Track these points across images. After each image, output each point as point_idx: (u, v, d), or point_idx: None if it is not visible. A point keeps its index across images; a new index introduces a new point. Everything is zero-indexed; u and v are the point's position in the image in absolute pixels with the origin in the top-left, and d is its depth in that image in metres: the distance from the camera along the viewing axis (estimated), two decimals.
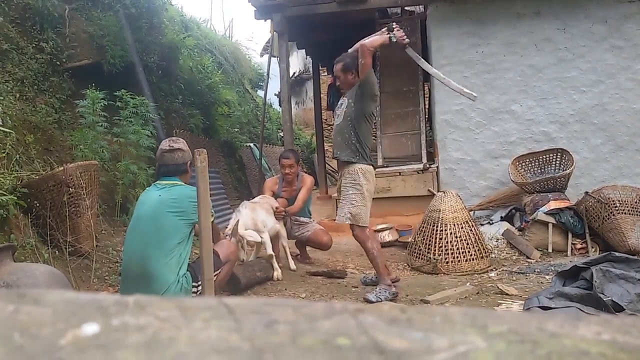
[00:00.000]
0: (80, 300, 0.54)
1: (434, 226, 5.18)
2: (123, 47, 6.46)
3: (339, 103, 4.48)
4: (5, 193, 3.75)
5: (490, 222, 6.23)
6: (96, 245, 4.58)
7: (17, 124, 4.73)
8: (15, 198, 3.92)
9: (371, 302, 4.02)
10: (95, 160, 4.88)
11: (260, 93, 13.66)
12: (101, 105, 5.43)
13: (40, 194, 4.26)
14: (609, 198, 5.43)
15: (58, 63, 6.09)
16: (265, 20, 7.93)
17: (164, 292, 3.19)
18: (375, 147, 7.65)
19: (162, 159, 3.50)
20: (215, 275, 3.52)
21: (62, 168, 4.36)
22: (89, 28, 6.51)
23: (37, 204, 4.21)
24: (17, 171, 4.35)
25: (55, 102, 5.79)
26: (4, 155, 4.13)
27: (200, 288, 3.29)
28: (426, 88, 8.85)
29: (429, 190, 6.91)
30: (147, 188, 3.72)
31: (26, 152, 4.77)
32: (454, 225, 5.14)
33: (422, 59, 4.79)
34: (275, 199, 5.23)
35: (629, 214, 5.35)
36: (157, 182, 3.52)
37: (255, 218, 4.54)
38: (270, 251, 4.57)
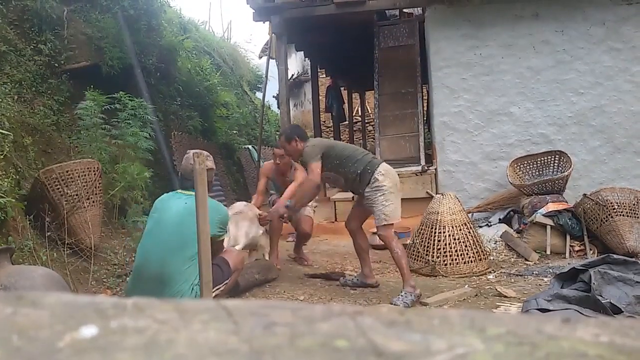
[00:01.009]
0: (78, 303, 0.54)
1: (432, 228, 5.18)
2: (121, 49, 6.46)
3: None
4: (3, 195, 3.75)
5: (489, 224, 6.23)
6: (94, 248, 4.58)
7: (15, 126, 4.73)
8: (14, 200, 3.91)
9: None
10: (96, 160, 4.91)
11: (259, 95, 13.66)
12: (101, 107, 5.44)
13: (41, 193, 4.34)
14: (607, 200, 5.44)
15: (56, 65, 6.08)
16: (263, 22, 7.95)
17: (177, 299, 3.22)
18: (373, 149, 7.66)
19: (188, 173, 3.54)
20: (224, 284, 3.55)
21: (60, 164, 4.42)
22: (88, 30, 6.51)
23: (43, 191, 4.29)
24: (16, 173, 4.35)
25: (54, 104, 5.79)
26: (1, 157, 4.13)
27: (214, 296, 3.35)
28: (425, 90, 8.86)
29: (427, 192, 6.92)
30: (165, 194, 3.75)
31: (24, 155, 4.77)
32: (452, 227, 5.14)
33: None
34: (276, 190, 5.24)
35: (627, 216, 5.35)
36: (180, 190, 3.56)
37: (237, 234, 4.49)
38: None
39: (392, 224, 4.31)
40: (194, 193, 3.41)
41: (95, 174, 4.64)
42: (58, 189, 4.43)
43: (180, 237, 3.34)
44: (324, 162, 4.34)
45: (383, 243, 4.39)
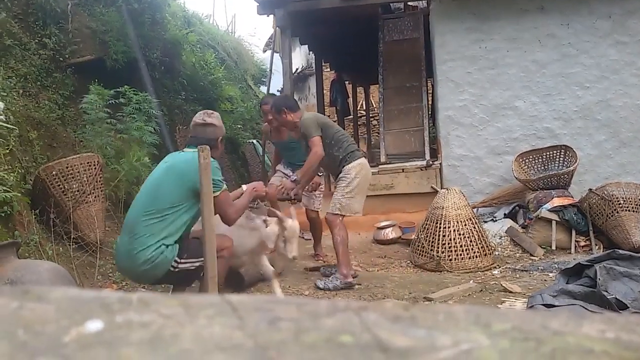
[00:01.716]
0: (84, 297, 0.54)
1: (437, 223, 5.18)
2: (126, 43, 6.46)
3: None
4: (9, 189, 3.76)
5: (494, 219, 6.22)
6: (100, 241, 4.60)
7: (20, 120, 4.74)
8: (20, 194, 3.93)
9: (319, 288, 4.35)
10: (98, 155, 4.91)
11: (263, 89, 13.63)
12: (105, 102, 5.44)
13: (57, 180, 4.37)
14: (612, 195, 5.42)
15: (61, 59, 6.09)
16: (267, 16, 7.93)
17: (139, 251, 3.18)
18: (378, 144, 7.64)
19: (194, 131, 3.52)
20: (200, 260, 3.26)
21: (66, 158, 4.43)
22: (92, 24, 6.51)
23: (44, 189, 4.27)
24: (21, 167, 4.36)
25: (59, 98, 5.79)
26: (7, 151, 4.15)
27: (182, 266, 3.26)
28: (429, 84, 8.83)
29: (432, 187, 6.90)
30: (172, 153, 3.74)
31: (30, 149, 4.79)
32: (457, 222, 5.13)
33: None
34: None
35: (633, 211, 5.33)
36: (185, 149, 3.54)
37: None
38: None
39: (343, 215, 4.50)
40: (193, 150, 3.31)
41: (96, 168, 4.64)
42: (59, 185, 4.42)
43: (150, 194, 3.32)
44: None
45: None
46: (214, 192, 3.12)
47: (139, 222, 3.26)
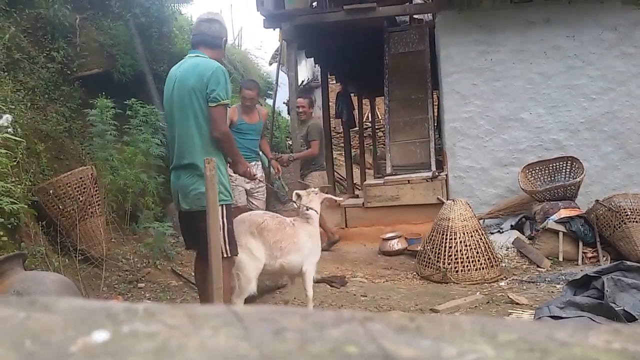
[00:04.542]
0: (90, 308, 0.54)
1: (443, 235, 5.16)
2: (133, 56, 6.52)
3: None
4: (16, 201, 3.78)
5: (500, 230, 6.19)
6: (106, 254, 4.60)
7: (28, 133, 4.77)
8: (26, 206, 3.94)
9: None
10: (101, 167, 4.92)
11: (269, 101, 13.69)
12: (111, 114, 5.47)
13: (51, 201, 4.34)
14: (619, 206, 5.39)
15: (69, 72, 6.15)
16: (274, 29, 7.98)
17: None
18: (384, 155, 7.65)
19: (198, 27, 3.43)
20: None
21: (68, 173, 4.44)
22: (100, 37, 6.57)
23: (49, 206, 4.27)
24: (29, 180, 4.38)
25: (66, 111, 5.84)
26: (15, 163, 4.17)
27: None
28: (435, 96, 8.85)
29: (438, 198, 6.89)
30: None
31: (37, 161, 4.81)
32: (464, 233, 5.12)
33: None
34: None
35: None
36: (189, 53, 3.48)
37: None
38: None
39: None
40: (192, 55, 3.38)
41: (90, 181, 4.58)
42: (53, 206, 4.36)
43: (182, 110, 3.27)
44: None
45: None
46: (211, 103, 3.15)
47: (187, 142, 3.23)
